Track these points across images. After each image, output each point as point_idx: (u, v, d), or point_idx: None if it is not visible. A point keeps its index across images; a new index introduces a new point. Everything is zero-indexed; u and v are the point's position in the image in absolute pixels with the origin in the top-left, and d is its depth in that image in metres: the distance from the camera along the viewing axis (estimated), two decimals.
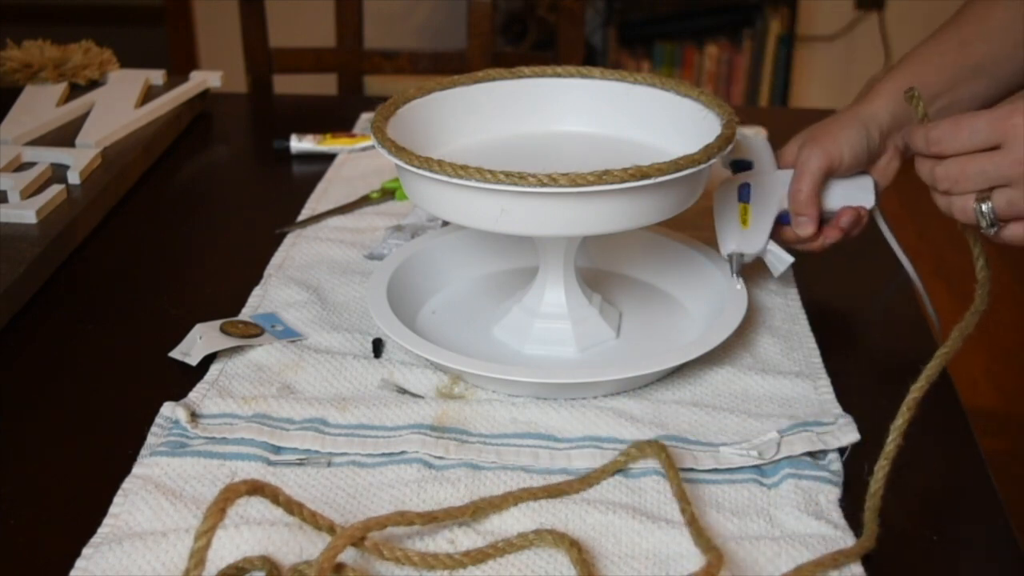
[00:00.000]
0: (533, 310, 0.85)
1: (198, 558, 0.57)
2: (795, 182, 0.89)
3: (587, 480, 0.71)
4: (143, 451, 0.73)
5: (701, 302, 0.90)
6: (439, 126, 0.88)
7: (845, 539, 0.66)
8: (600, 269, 0.97)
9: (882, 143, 0.90)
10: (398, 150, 0.77)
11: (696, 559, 0.65)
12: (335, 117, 1.35)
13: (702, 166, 0.75)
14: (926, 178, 0.74)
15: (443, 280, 0.94)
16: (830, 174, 0.89)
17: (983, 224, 0.72)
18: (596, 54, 3.00)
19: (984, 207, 0.71)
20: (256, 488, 0.60)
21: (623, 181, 0.72)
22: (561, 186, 0.72)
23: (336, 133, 1.26)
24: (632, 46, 3.02)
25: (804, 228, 0.89)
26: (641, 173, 0.73)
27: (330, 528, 0.63)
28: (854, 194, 0.90)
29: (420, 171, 0.75)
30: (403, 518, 0.64)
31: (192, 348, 0.83)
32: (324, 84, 1.80)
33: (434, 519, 0.66)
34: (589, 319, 0.85)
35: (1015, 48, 0.90)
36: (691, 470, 0.72)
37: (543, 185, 0.72)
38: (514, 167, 0.72)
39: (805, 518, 0.68)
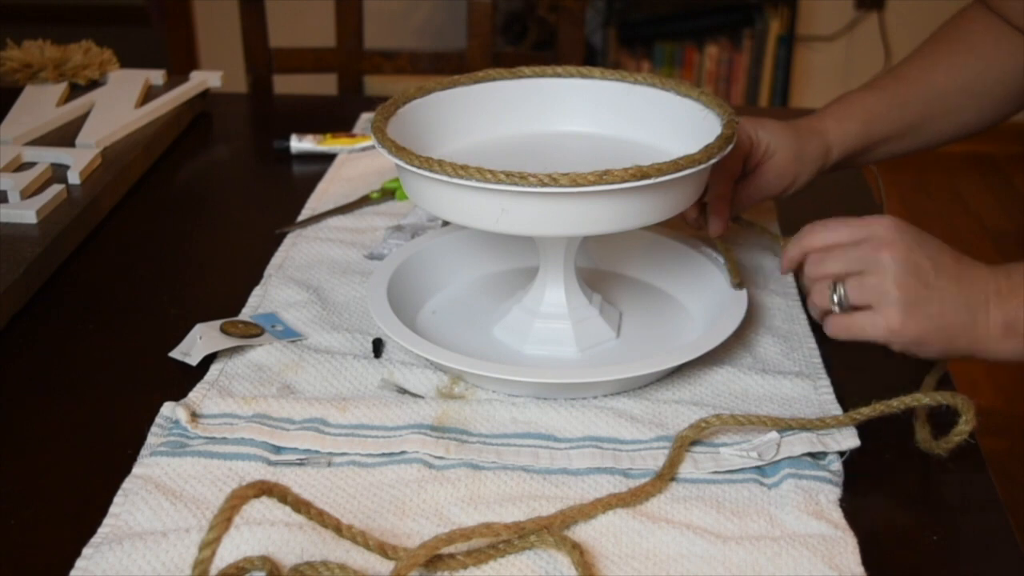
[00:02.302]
0: (533, 310, 0.85)
1: (202, 569, 0.57)
2: (751, 192, 0.95)
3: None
4: (143, 451, 0.73)
5: (701, 302, 0.90)
6: (439, 126, 0.88)
7: (846, 539, 0.66)
8: (600, 269, 0.97)
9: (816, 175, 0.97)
10: (398, 150, 0.77)
11: (696, 560, 0.65)
12: (335, 117, 1.35)
13: (702, 166, 0.75)
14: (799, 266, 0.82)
15: (443, 280, 0.94)
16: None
17: (835, 308, 0.78)
18: (596, 54, 3.00)
19: (836, 294, 0.77)
20: (264, 489, 0.59)
21: (623, 181, 0.72)
22: (561, 186, 0.72)
23: (336, 133, 1.26)
24: (632, 46, 3.02)
25: (715, 227, 0.94)
26: (641, 173, 0.73)
27: (336, 527, 0.62)
28: None
29: (420, 171, 0.75)
30: (489, 530, 0.64)
31: (192, 348, 0.83)
32: (324, 84, 1.80)
33: (521, 529, 0.65)
34: (589, 319, 0.85)
35: (943, 114, 0.99)
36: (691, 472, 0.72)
37: (543, 185, 0.72)
38: (514, 167, 0.72)
39: (805, 518, 0.68)
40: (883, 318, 0.76)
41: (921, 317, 0.75)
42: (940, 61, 0.99)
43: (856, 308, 0.77)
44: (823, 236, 0.80)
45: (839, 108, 0.98)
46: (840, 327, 0.78)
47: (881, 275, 0.75)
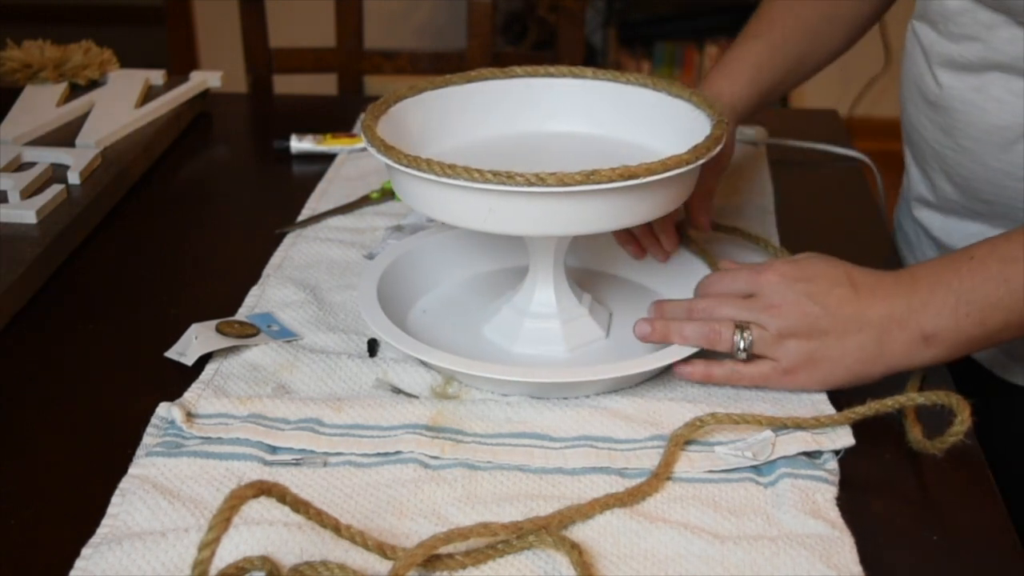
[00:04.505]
0: (523, 310, 0.85)
1: (202, 569, 0.57)
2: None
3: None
4: (139, 451, 0.74)
5: None
6: (431, 125, 0.88)
7: (843, 538, 0.66)
8: (590, 269, 0.97)
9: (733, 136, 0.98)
10: (387, 148, 0.77)
11: (695, 560, 0.65)
12: (335, 117, 1.35)
13: (690, 166, 0.75)
14: (680, 313, 0.82)
15: (433, 280, 0.94)
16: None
17: (738, 353, 0.78)
18: (596, 54, 3.00)
19: (741, 338, 0.78)
20: (263, 489, 0.59)
21: (611, 181, 0.72)
22: (549, 186, 0.72)
23: (336, 133, 1.26)
24: (632, 46, 3.02)
25: (703, 222, 0.96)
26: (629, 173, 0.73)
27: (335, 527, 0.63)
28: None
29: (408, 170, 0.75)
30: (487, 529, 0.64)
31: (188, 348, 0.83)
32: (324, 84, 1.80)
33: (519, 529, 0.65)
34: (579, 319, 0.86)
35: (821, 43, 1.03)
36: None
37: (531, 185, 0.72)
38: (504, 166, 0.72)
39: (802, 517, 0.68)
40: (783, 369, 0.78)
41: (823, 362, 0.77)
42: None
43: (754, 357, 0.79)
44: (718, 283, 0.82)
45: (726, 67, 1.00)
46: (735, 374, 0.79)
47: (777, 331, 0.77)
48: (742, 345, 0.78)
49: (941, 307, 0.75)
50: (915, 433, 0.75)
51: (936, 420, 0.75)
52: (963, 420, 0.73)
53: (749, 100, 0.98)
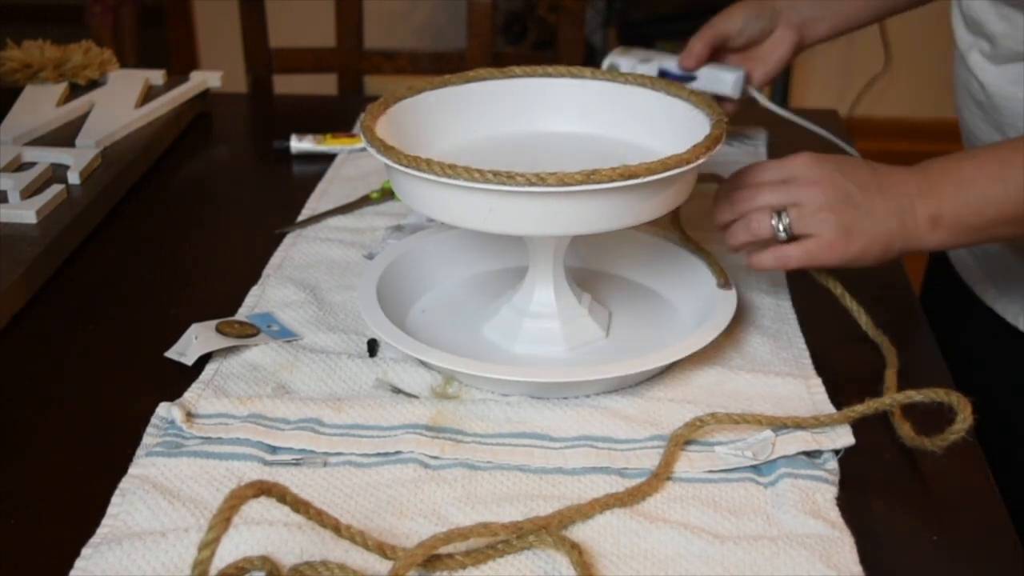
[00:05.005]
0: (523, 309, 0.85)
1: (202, 569, 0.57)
2: (692, 41, 1.08)
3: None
4: (139, 451, 0.74)
5: (691, 302, 0.90)
6: (430, 125, 0.88)
7: (843, 538, 0.66)
8: (590, 269, 0.97)
9: (773, 21, 1.08)
10: (387, 149, 0.77)
11: (695, 560, 0.65)
12: (335, 117, 1.35)
13: (690, 166, 0.75)
14: (726, 212, 0.86)
15: (433, 279, 0.94)
16: (726, 41, 1.08)
17: (778, 233, 0.83)
18: (596, 54, 3.00)
19: (780, 221, 0.82)
20: (264, 489, 0.59)
21: (611, 181, 0.72)
22: (549, 185, 0.72)
23: (336, 133, 1.26)
24: (632, 46, 3.02)
25: (686, 60, 1.08)
26: (629, 173, 0.73)
27: (335, 527, 0.63)
28: (716, 80, 1.07)
29: (408, 170, 0.75)
30: (487, 529, 0.64)
31: (188, 348, 0.83)
32: (324, 84, 1.80)
33: (519, 529, 0.65)
34: (578, 318, 0.86)
35: None
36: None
37: (531, 184, 0.72)
38: (504, 166, 0.72)
39: (802, 517, 0.68)
40: (827, 243, 0.82)
41: (858, 234, 0.81)
42: None
43: (794, 238, 0.83)
44: (753, 175, 0.86)
45: None
46: (781, 257, 0.83)
47: (816, 206, 0.82)
48: (781, 228, 0.82)
49: (944, 194, 0.81)
50: (905, 430, 0.75)
51: (934, 418, 0.75)
52: (964, 418, 0.73)
53: None
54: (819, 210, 0.81)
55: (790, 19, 1.08)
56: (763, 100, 1.11)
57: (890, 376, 0.81)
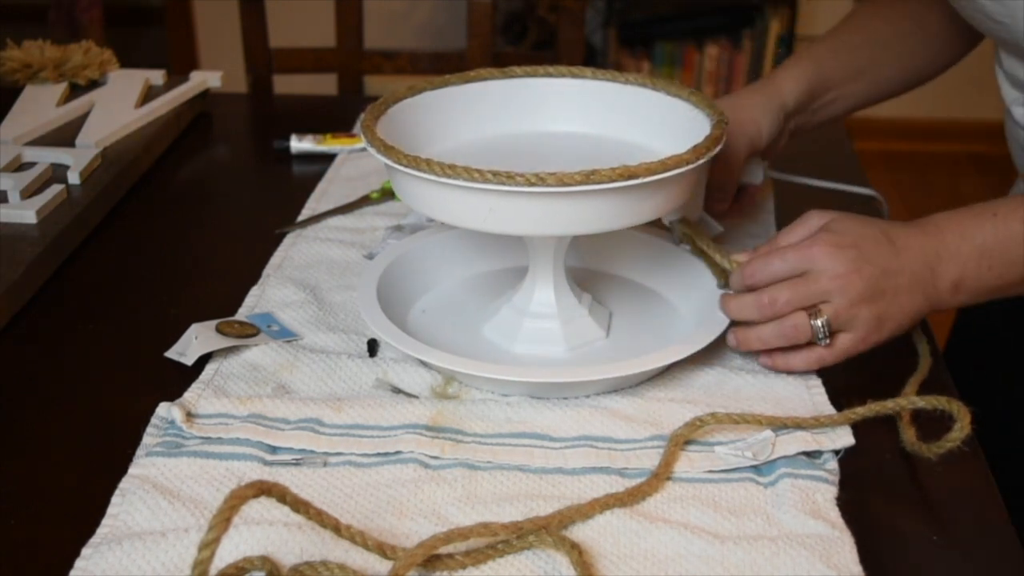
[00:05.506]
0: (523, 309, 0.85)
1: (202, 569, 0.57)
2: (723, 164, 0.98)
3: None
4: (139, 451, 0.74)
5: (691, 302, 0.90)
6: (430, 126, 0.88)
7: (843, 538, 0.66)
8: (590, 269, 0.97)
9: (784, 125, 1.03)
10: (387, 149, 0.77)
11: (695, 560, 0.65)
12: (335, 117, 1.35)
13: (690, 166, 0.75)
14: (748, 312, 0.81)
15: (433, 279, 0.94)
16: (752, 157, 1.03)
17: (819, 337, 0.79)
18: (596, 54, 3.01)
19: (820, 322, 0.78)
20: (264, 489, 0.59)
21: (611, 181, 0.72)
22: (549, 186, 0.72)
23: (336, 133, 1.26)
24: (632, 46, 3.02)
25: (720, 204, 1.01)
26: (629, 173, 0.73)
27: (335, 527, 0.63)
28: (748, 173, 1.03)
29: (408, 170, 0.75)
30: (487, 529, 0.64)
31: (188, 348, 0.83)
32: (324, 84, 1.80)
33: (519, 529, 0.65)
34: (578, 318, 0.86)
35: (891, 58, 1.06)
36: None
37: (531, 185, 0.72)
38: (504, 167, 0.72)
39: (802, 517, 0.68)
40: (861, 337, 0.79)
41: (889, 320, 0.80)
42: (880, 11, 1.06)
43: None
44: (768, 269, 0.80)
45: (788, 61, 1.05)
46: (817, 361, 0.80)
47: (847, 303, 0.78)
48: (821, 330, 0.79)
49: (966, 259, 0.79)
50: (909, 435, 0.75)
51: (935, 423, 0.75)
52: (963, 427, 0.73)
53: (803, 86, 1.02)
54: (851, 306, 0.78)
55: (795, 119, 1.05)
56: (781, 176, 1.12)
57: (913, 382, 0.81)
